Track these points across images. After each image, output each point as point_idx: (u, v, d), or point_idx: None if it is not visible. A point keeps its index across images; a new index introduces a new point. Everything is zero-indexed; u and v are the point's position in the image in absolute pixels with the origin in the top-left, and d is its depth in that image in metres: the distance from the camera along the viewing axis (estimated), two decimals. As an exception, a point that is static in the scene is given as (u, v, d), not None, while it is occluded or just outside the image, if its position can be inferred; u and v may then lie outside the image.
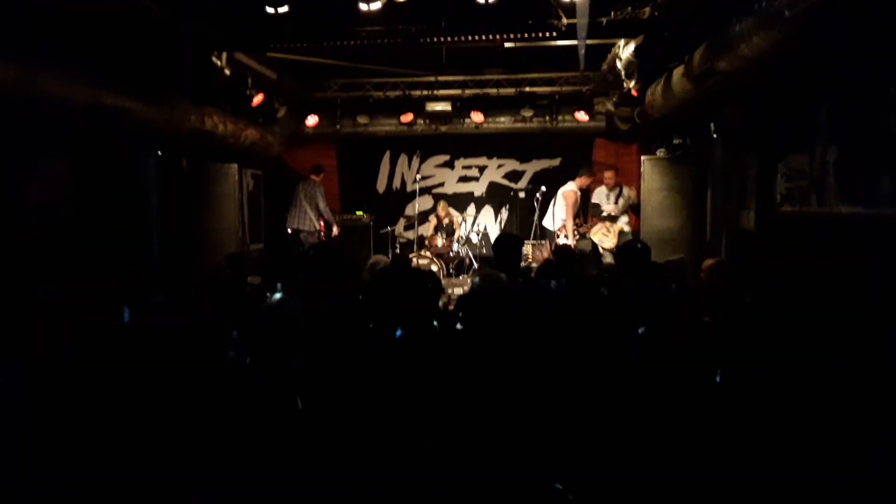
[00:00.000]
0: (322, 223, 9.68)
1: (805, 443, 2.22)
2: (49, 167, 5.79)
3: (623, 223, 8.80)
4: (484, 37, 6.80)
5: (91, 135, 5.94)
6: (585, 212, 9.06)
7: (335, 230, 9.86)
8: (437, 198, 10.36)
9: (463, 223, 9.95)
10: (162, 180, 7.33)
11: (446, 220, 9.81)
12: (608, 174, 8.98)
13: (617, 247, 8.34)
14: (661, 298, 3.61)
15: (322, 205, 9.70)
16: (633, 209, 8.86)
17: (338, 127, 10.22)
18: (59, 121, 5.51)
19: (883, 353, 2.65)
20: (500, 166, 10.88)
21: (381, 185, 10.96)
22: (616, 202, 8.83)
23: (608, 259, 8.34)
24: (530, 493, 2.23)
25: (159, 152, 7.32)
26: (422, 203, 10.23)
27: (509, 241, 4.69)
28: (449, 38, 6.90)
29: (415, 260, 9.03)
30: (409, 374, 2.73)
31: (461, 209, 10.35)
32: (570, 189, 8.90)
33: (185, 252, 7.56)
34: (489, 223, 10.74)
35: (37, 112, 5.15)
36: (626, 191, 8.89)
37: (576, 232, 8.78)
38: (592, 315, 3.36)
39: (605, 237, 8.67)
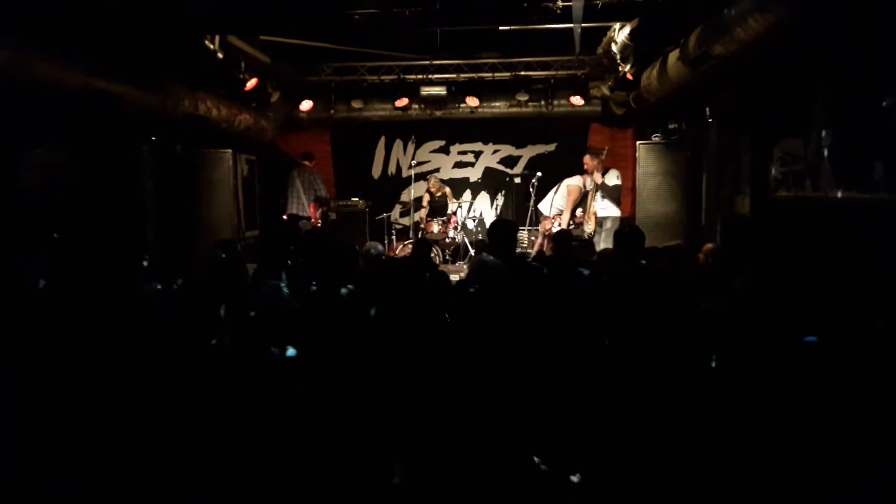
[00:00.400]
0: (313, 210, 9.66)
1: (801, 433, 2.23)
2: (42, 152, 5.76)
3: (602, 208, 8.67)
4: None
5: (84, 120, 5.90)
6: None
7: (332, 216, 9.86)
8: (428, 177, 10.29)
9: (459, 209, 9.95)
10: (156, 166, 7.29)
11: (439, 195, 9.78)
12: (585, 158, 8.66)
13: (596, 230, 8.36)
14: (659, 284, 3.61)
15: (324, 191, 9.76)
16: (608, 193, 8.52)
17: (332, 112, 10.16)
18: (53, 106, 5.47)
19: (877, 337, 2.67)
20: (495, 151, 10.86)
21: (376, 171, 10.93)
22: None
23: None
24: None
25: (153, 137, 7.28)
26: (417, 189, 10.20)
27: (504, 227, 4.67)
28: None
29: (410, 247, 9.03)
30: (411, 364, 2.74)
31: (457, 195, 10.32)
32: (575, 184, 8.80)
33: (179, 238, 7.53)
34: (485, 209, 10.73)
35: (29, 97, 5.11)
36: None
37: (570, 223, 8.79)
38: (589, 301, 3.36)
39: (585, 223, 8.68)
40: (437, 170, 10.82)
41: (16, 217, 5.27)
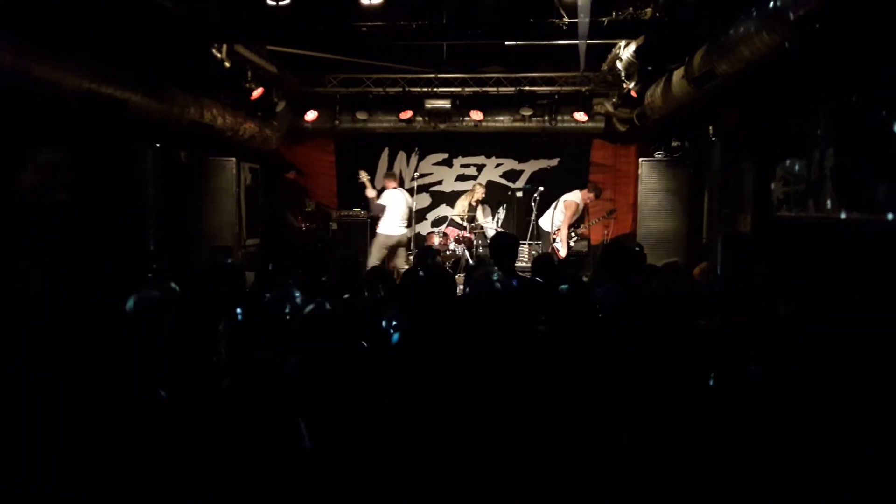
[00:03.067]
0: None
1: (796, 452, 2.22)
2: (45, 157, 5.76)
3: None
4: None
5: (89, 125, 5.91)
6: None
7: (333, 225, 9.99)
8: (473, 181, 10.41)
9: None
10: (160, 173, 7.31)
11: (475, 203, 9.85)
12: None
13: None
14: (657, 301, 3.61)
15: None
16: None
17: (336, 122, 10.20)
18: (57, 110, 5.48)
19: (879, 356, 2.66)
20: (498, 165, 10.88)
21: (379, 183, 10.93)
22: None
23: None
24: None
25: (157, 144, 7.30)
26: (420, 201, 10.22)
27: (505, 241, 4.72)
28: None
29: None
30: (410, 374, 2.73)
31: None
32: (572, 199, 8.96)
33: (181, 246, 7.53)
34: (486, 222, 10.72)
35: (33, 101, 5.12)
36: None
37: (573, 233, 8.89)
38: (588, 315, 3.35)
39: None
40: (439, 182, 10.87)
41: (17, 221, 5.26)
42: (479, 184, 10.21)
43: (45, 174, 5.75)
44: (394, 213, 8.78)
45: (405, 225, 8.94)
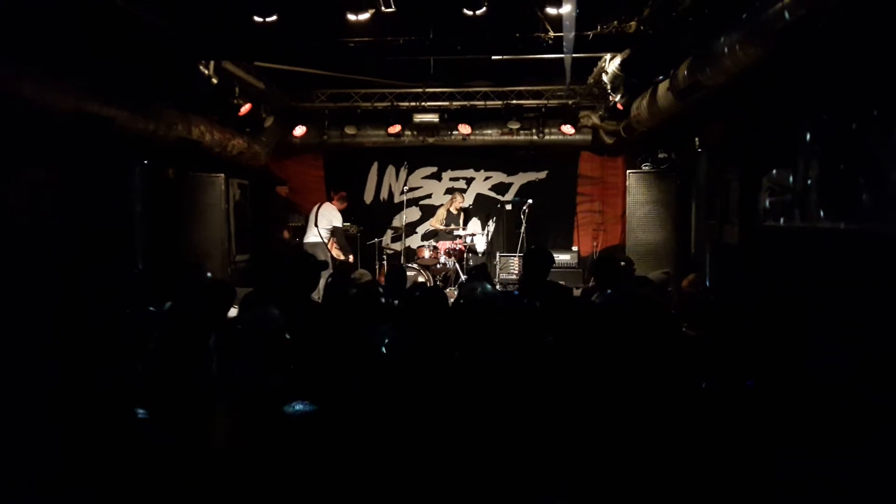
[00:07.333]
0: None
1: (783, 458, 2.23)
2: (33, 175, 5.74)
3: None
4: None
5: (77, 142, 5.90)
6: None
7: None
8: (451, 191, 10.52)
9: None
10: (147, 189, 7.29)
11: (456, 212, 9.96)
12: None
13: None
14: (644, 311, 3.62)
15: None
16: None
17: (325, 137, 10.23)
18: (45, 128, 5.47)
19: (864, 365, 2.68)
20: (487, 178, 10.93)
21: (368, 197, 10.97)
22: None
23: None
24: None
25: (145, 161, 7.29)
26: (409, 214, 10.23)
27: (542, 258, 4.52)
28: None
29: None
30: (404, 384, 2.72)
31: (447, 221, 10.36)
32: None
33: (169, 262, 7.50)
34: (476, 235, 10.75)
35: (21, 119, 5.11)
36: None
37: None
38: (578, 326, 3.36)
39: None
40: (428, 196, 10.89)
41: (5, 238, 5.24)
42: (460, 190, 10.28)
43: (34, 192, 5.73)
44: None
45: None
